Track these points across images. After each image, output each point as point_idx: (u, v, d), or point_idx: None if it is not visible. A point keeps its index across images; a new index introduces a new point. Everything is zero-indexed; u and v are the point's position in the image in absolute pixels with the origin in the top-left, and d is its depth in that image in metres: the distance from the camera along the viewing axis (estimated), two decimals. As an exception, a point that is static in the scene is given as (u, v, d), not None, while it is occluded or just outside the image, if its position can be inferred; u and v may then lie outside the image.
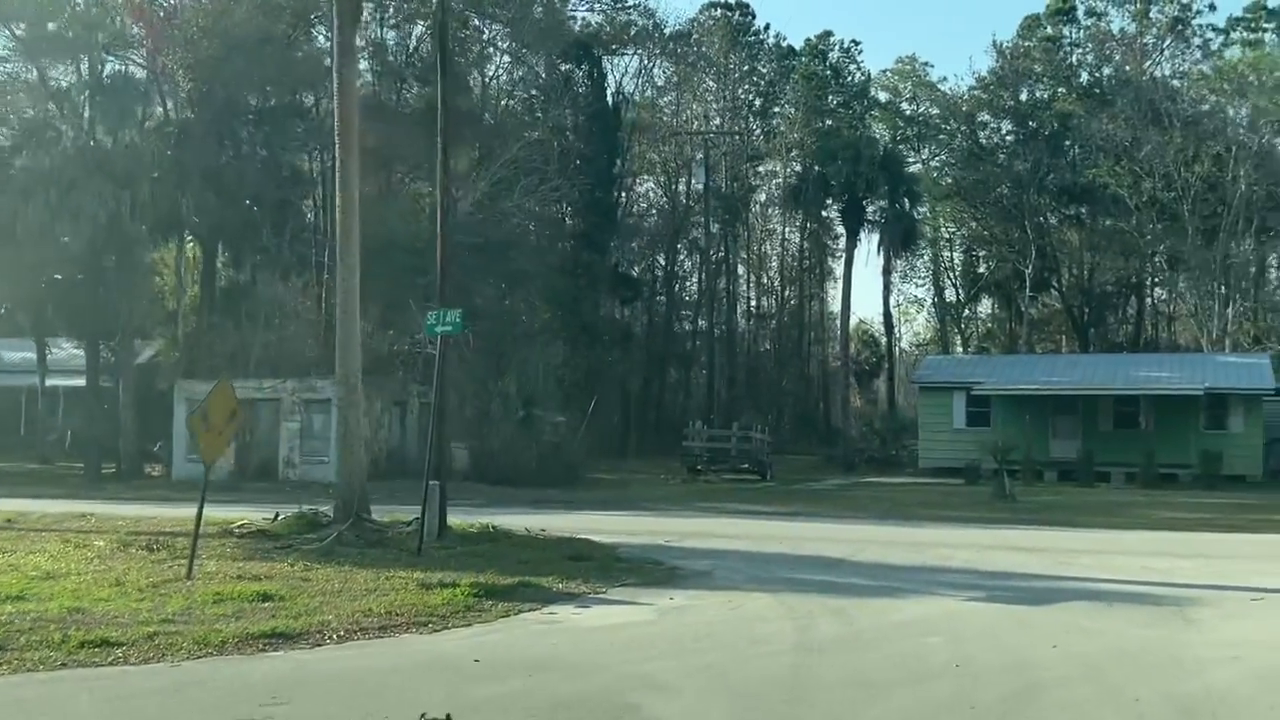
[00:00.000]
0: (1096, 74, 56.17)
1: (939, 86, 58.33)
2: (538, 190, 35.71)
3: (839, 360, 70.08)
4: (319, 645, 8.71)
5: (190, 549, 12.17)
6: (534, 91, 44.31)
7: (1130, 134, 46.27)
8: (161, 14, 34.89)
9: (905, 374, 59.61)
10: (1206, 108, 52.03)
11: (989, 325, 64.38)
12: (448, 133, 16.86)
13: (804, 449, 49.84)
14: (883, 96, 62.48)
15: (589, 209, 41.99)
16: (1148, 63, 55.99)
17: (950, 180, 56.52)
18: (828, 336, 71.84)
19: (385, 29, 40.76)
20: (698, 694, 7.33)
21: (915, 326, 66.20)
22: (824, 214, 47.17)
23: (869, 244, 42.59)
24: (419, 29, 40.90)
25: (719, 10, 59.57)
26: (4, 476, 28.10)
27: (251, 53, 33.07)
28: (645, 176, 59.07)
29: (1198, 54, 56.95)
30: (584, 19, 46.77)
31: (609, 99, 44.64)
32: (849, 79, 63.35)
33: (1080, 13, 57.30)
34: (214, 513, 14.71)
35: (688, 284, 65.27)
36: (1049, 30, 58.20)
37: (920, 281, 61.06)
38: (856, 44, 63.74)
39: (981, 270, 60.34)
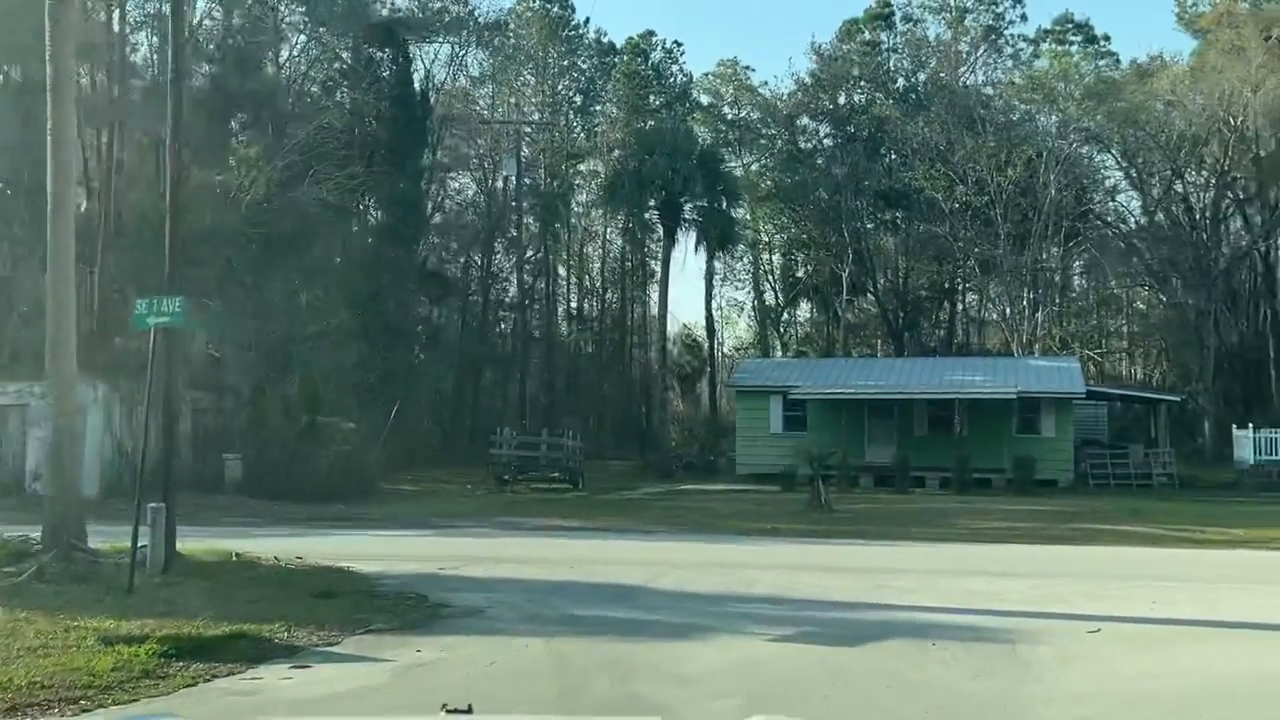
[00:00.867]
0: (913, 79, 56.56)
1: (760, 91, 57.97)
2: (333, 178, 33.04)
3: (661, 364, 69.43)
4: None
5: None
6: (334, 75, 41.47)
7: (945, 138, 46.41)
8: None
9: (727, 378, 58.95)
10: (1017, 117, 52.90)
11: (808, 329, 64.37)
12: (180, 96, 14.43)
13: (626, 455, 48.37)
14: (705, 99, 61.91)
15: (394, 201, 39.45)
16: (962, 69, 56.70)
17: (770, 183, 56.02)
18: (650, 340, 70.81)
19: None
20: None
21: (738, 330, 65.71)
22: (644, 214, 45.75)
23: (687, 244, 41.34)
24: (202, 2, 37.67)
25: (537, 1, 57.70)
26: None
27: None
28: (461, 172, 56.76)
29: (1009, 63, 58.05)
30: (390, 1, 44.23)
31: (416, 86, 42.12)
32: (671, 80, 62.42)
33: (898, 18, 57.67)
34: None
35: (507, 285, 63.21)
36: (867, 35, 58.40)
37: (740, 284, 60.47)
38: (679, 45, 62.75)
39: (800, 274, 60.16)
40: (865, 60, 56.28)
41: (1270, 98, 49.63)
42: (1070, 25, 60.90)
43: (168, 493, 13.02)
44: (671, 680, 7.90)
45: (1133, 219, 57.78)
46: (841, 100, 55.16)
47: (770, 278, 61.52)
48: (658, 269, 68.64)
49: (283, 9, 40.14)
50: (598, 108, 62.76)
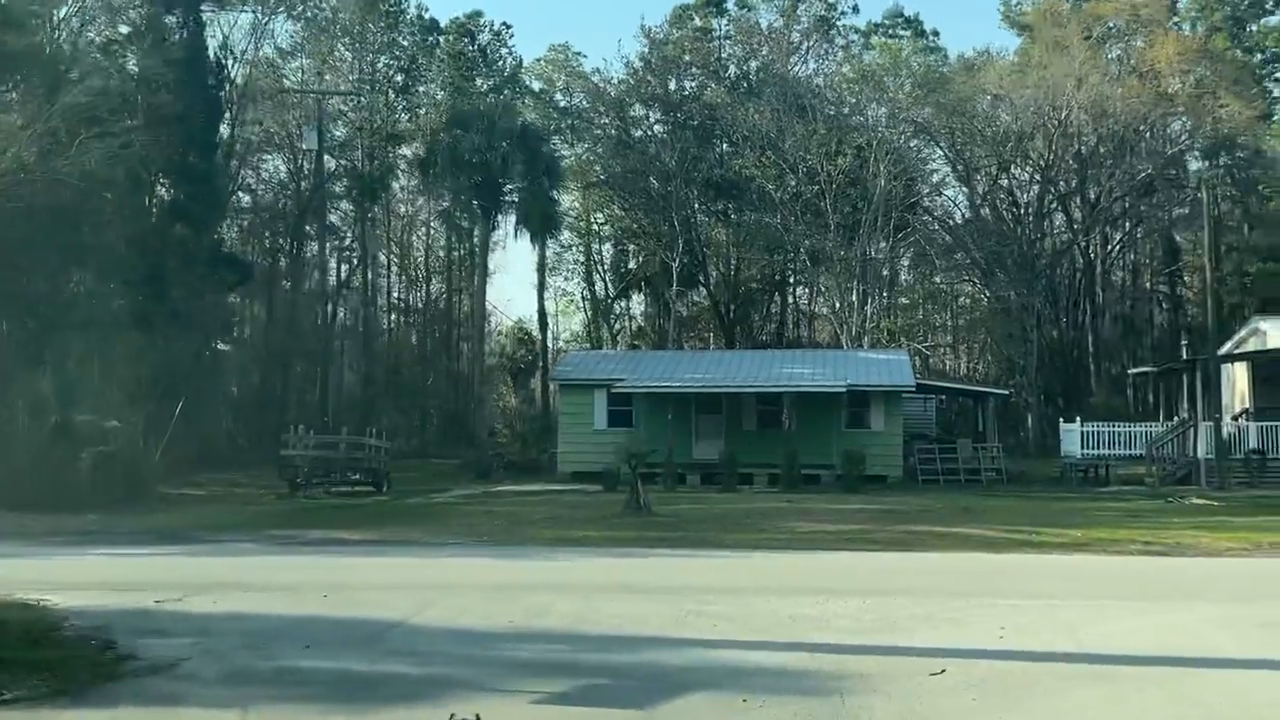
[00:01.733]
0: (744, 67, 55.48)
1: (591, 78, 56.10)
2: (107, 148, 29.50)
3: (494, 358, 66.78)
4: None
5: None
6: (118, 38, 37.64)
7: (776, 125, 45.29)
8: None
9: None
10: (847, 110, 52.34)
11: (641, 323, 62.81)
12: None
13: (453, 453, 45.80)
14: (536, 85, 59.75)
15: (183, 176, 35.94)
16: (794, 59, 55.87)
17: (600, 170, 54.17)
18: (478, 333, 68.25)
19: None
20: None
21: (573, 324, 63.61)
22: (460, 195, 43.17)
23: (508, 227, 38.99)
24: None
25: (352, -31, 54.39)
26: None
27: None
28: (272, 154, 53.09)
29: (840, 54, 57.53)
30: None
31: (212, 54, 38.58)
32: (500, 63, 60.05)
33: (730, 4, 56.52)
34: None
35: (323, 273, 59.62)
36: (698, 21, 57.12)
37: (569, 275, 58.54)
38: (508, 27, 60.24)
39: (631, 265, 58.54)
40: (697, 46, 54.92)
41: (1093, 94, 50.26)
42: (900, 19, 60.93)
43: None
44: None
45: (960, 213, 58.10)
46: (672, 86, 53.67)
47: (600, 268, 59.76)
48: (487, 259, 66.38)
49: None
50: (421, 89, 59.85)
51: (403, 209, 60.50)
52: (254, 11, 43.26)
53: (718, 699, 7.37)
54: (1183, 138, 57.41)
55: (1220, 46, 56.12)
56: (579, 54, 58.76)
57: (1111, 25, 57.51)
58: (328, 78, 54.18)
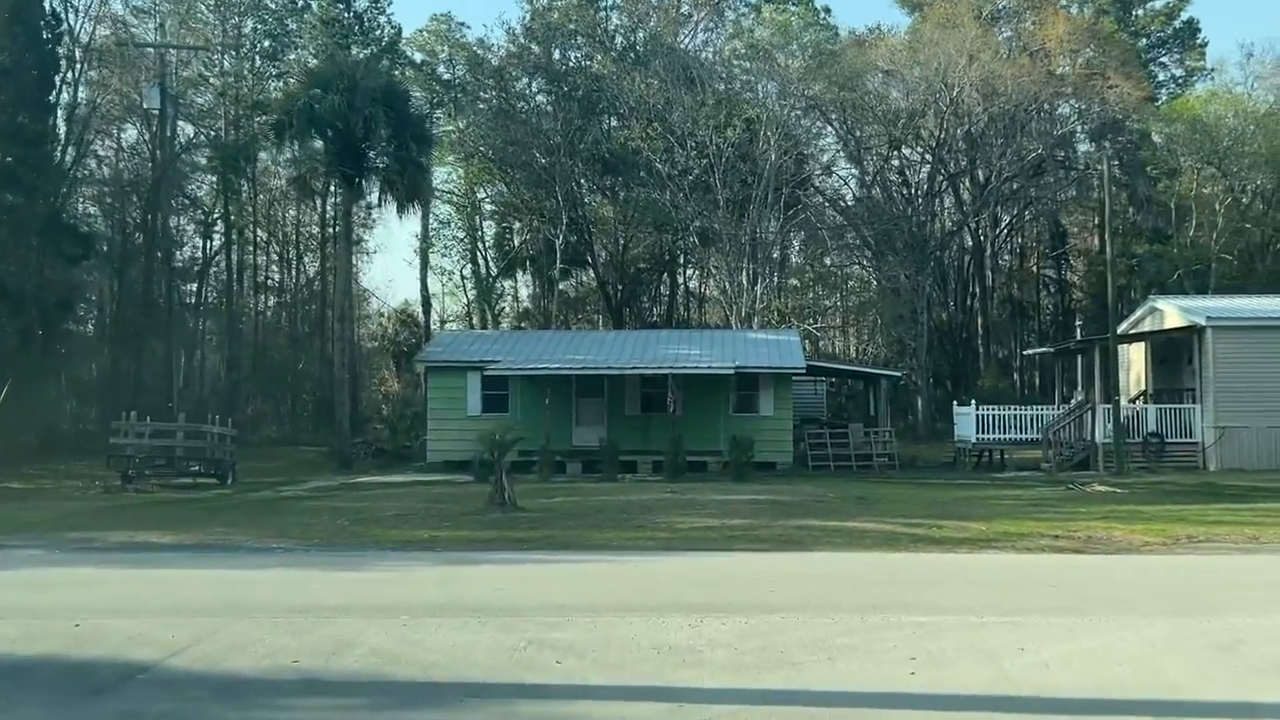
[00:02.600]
0: (631, 38, 53.40)
1: (474, 48, 53.53)
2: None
3: (376, 341, 63.71)
4: None
5: None
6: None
7: (663, 97, 43.33)
8: None
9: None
10: (738, 86, 50.66)
11: (528, 305, 60.48)
12: None
13: (326, 441, 42.95)
14: (418, 57, 56.93)
15: (10, 138, 32.54)
16: (683, 31, 53.98)
17: (481, 143, 51.62)
18: (358, 314, 65.11)
19: None
20: None
21: (460, 305, 60.87)
22: (326, 164, 40.19)
23: (376, 197, 36.17)
24: None
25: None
26: None
27: None
28: (127, 119, 49.35)
29: (730, 28, 55.86)
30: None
31: (47, 4, 35.14)
32: (377, 31, 57.05)
33: (621, -28, 54.36)
34: None
35: (170, 249, 55.94)
36: (585, -11, 54.81)
37: (446, 252, 55.94)
38: (386, -8, 57.08)
39: (516, 243, 56.20)
40: (583, 15, 52.65)
41: (984, 71, 49.35)
42: (793, -8, 59.39)
43: None
44: None
45: (850, 193, 56.95)
46: (557, 56, 51.38)
47: (482, 246, 57.28)
48: (365, 237, 63.21)
49: None
50: (292, 56, 56.53)
51: (275, 183, 57.14)
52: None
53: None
54: (1072, 119, 57.07)
55: (1108, 29, 55.82)
56: (462, 24, 56.19)
57: (1002, 5, 56.91)
58: (190, 41, 50.61)
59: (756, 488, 24.23)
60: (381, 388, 61.05)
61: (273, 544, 15.14)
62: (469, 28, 69.87)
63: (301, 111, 31.41)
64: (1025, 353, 38.57)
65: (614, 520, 17.83)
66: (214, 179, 54.01)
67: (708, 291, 58.19)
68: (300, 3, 56.02)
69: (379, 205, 35.55)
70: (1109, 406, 28.02)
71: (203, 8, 52.02)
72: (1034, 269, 64.65)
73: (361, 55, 53.79)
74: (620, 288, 55.06)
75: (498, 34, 58.54)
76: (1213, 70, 59.94)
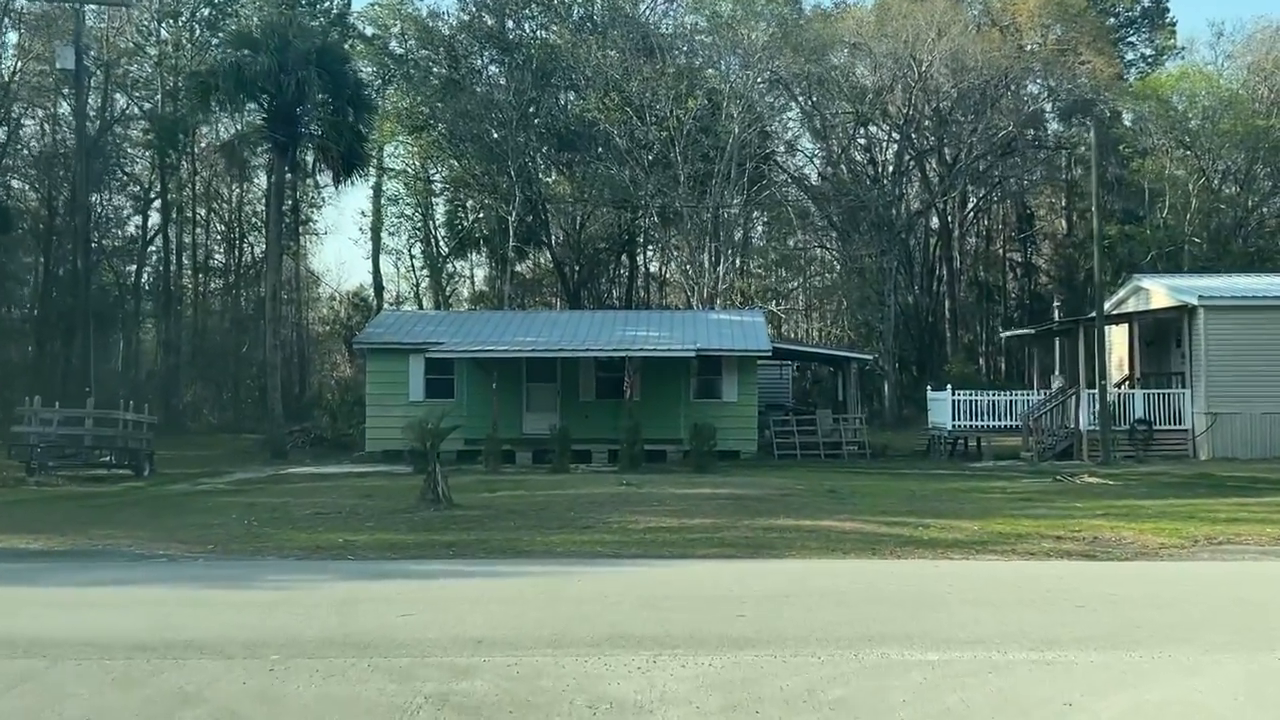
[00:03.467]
0: (589, 7, 51.17)
1: (426, 20, 51.19)
2: None
3: (327, 325, 61.20)
4: None
5: None
6: None
7: (622, 67, 41.21)
8: None
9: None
10: (699, 61, 48.66)
11: (484, 287, 58.23)
12: None
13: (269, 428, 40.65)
14: (369, 30, 54.48)
15: (-90, 101, 29.91)
16: (643, 4, 51.80)
17: (430, 115, 49.27)
18: (308, 297, 62.62)
19: None
20: None
21: (411, 287, 58.47)
22: (256, 130, 37.71)
23: (323, 168, 33.77)
24: None
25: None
26: None
27: None
28: (63, 92, 46.57)
29: (691, 1, 53.71)
30: None
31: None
32: (326, 3, 54.51)
33: (574, -62, 52.02)
34: None
35: (114, 227, 53.28)
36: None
37: (394, 231, 53.62)
38: (338, -39, 54.53)
39: (467, 222, 53.90)
40: (538, -18, 50.44)
41: (953, 45, 47.64)
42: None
43: None
44: None
45: (815, 172, 55.13)
46: (510, 24, 49.11)
47: (433, 224, 54.96)
48: (316, 216, 60.64)
49: None
50: (234, 26, 53.79)
51: (216, 158, 54.41)
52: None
53: None
54: (1042, 96, 55.54)
55: (1079, 5, 54.23)
56: (415, -5, 53.66)
57: (973, -23, 55.18)
58: (122, 12, 47.85)
59: (719, 480, 22.29)
60: (334, 374, 58.71)
61: (159, 550, 13.02)
62: (423, 1, 67.36)
63: (229, 73, 29.03)
64: (1004, 334, 36.87)
65: (560, 519, 15.82)
66: (150, 154, 51.34)
67: (669, 274, 56.25)
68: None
69: (313, 174, 33.21)
70: (1093, 392, 26.33)
71: (136, -31, 49.21)
72: (1000, 252, 63.24)
73: (311, 26, 51.36)
74: (578, 269, 53.00)
75: (449, 1, 56.49)
76: (1183, 49, 58.67)
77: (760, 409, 30.40)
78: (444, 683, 6.71)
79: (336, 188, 36.16)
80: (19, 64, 43.73)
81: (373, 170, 52.38)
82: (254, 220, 57.56)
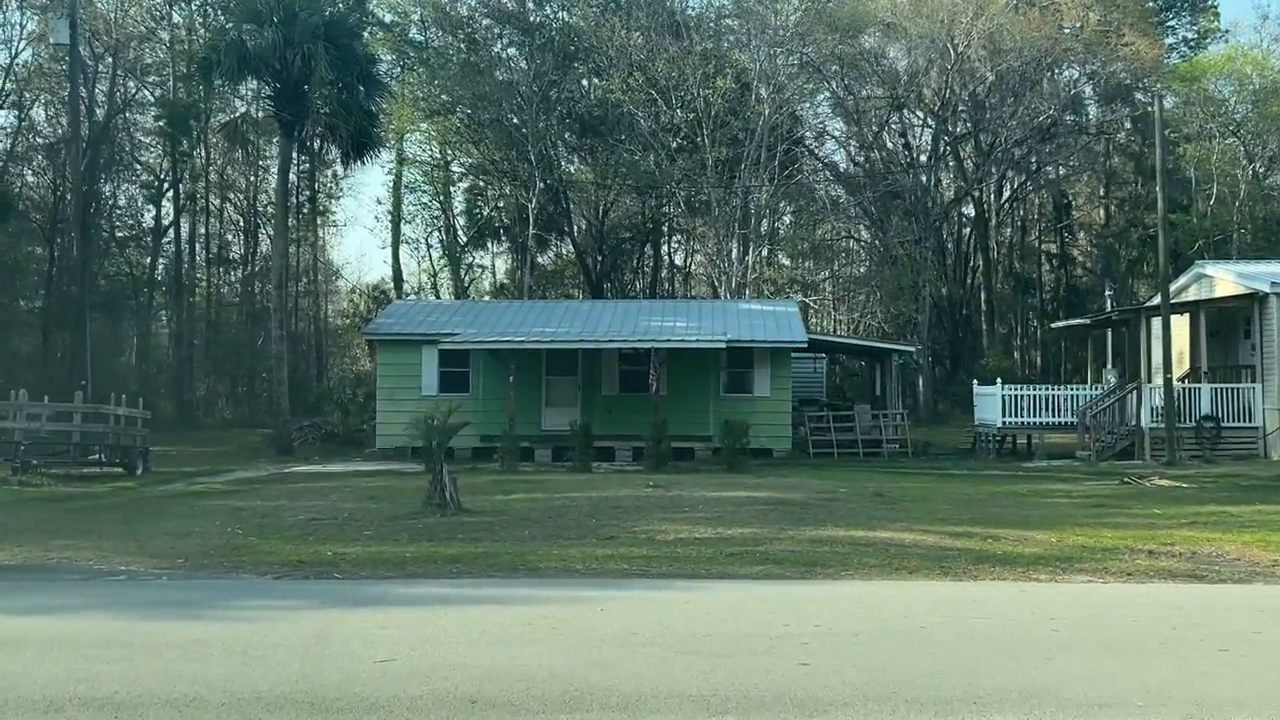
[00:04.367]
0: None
1: (446, 6, 49.50)
2: None
3: (347, 318, 59.68)
4: None
5: None
6: None
7: (646, 46, 39.41)
8: None
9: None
10: (725, 45, 46.79)
11: (503, 278, 56.61)
12: None
13: (291, 421, 39.06)
14: (388, 17, 52.84)
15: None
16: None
17: (447, 98, 47.56)
18: (327, 290, 61.18)
19: None
20: None
21: (429, 278, 56.87)
22: (261, 109, 36.21)
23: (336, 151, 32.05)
24: None
25: None
26: None
27: None
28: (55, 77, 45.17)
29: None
30: None
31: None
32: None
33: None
34: None
35: (132, 218, 51.89)
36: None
37: (410, 219, 52.04)
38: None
39: (489, 212, 52.23)
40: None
41: (990, 25, 45.65)
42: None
43: None
44: None
45: (848, 158, 53.26)
46: (531, 5, 47.40)
47: (450, 214, 53.29)
48: (335, 208, 59.17)
49: None
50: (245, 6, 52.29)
51: (242, 149, 52.82)
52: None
53: None
54: (1081, 80, 53.40)
55: (1122, -13, 52.04)
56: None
57: (1012, -44, 52.98)
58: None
59: (754, 481, 20.54)
60: (353, 368, 57.26)
61: (121, 566, 11.35)
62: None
63: (231, 48, 27.41)
64: (1054, 325, 34.84)
65: (579, 527, 14.09)
66: (163, 142, 49.89)
67: (694, 265, 54.50)
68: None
69: (321, 155, 31.61)
70: (1155, 386, 24.40)
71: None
72: (1036, 243, 61.15)
73: (329, 14, 49.81)
74: (600, 259, 51.27)
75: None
76: (1226, 32, 56.53)
77: (794, 404, 28.60)
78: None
79: (345, 169, 34.67)
80: (24, 47, 42.33)
81: (391, 158, 50.90)
82: (269, 211, 56.06)
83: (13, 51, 40.90)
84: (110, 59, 45.76)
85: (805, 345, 28.33)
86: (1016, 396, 26.61)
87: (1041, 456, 25.74)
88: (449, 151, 51.78)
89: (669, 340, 25.96)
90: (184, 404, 48.10)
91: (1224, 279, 26.74)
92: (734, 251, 41.47)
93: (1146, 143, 52.90)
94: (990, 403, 27.05)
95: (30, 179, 47.51)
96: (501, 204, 50.50)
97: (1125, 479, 20.38)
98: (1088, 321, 29.55)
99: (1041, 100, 48.96)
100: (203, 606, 9.06)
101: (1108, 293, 37.58)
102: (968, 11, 44.73)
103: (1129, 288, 53.22)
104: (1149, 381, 24.73)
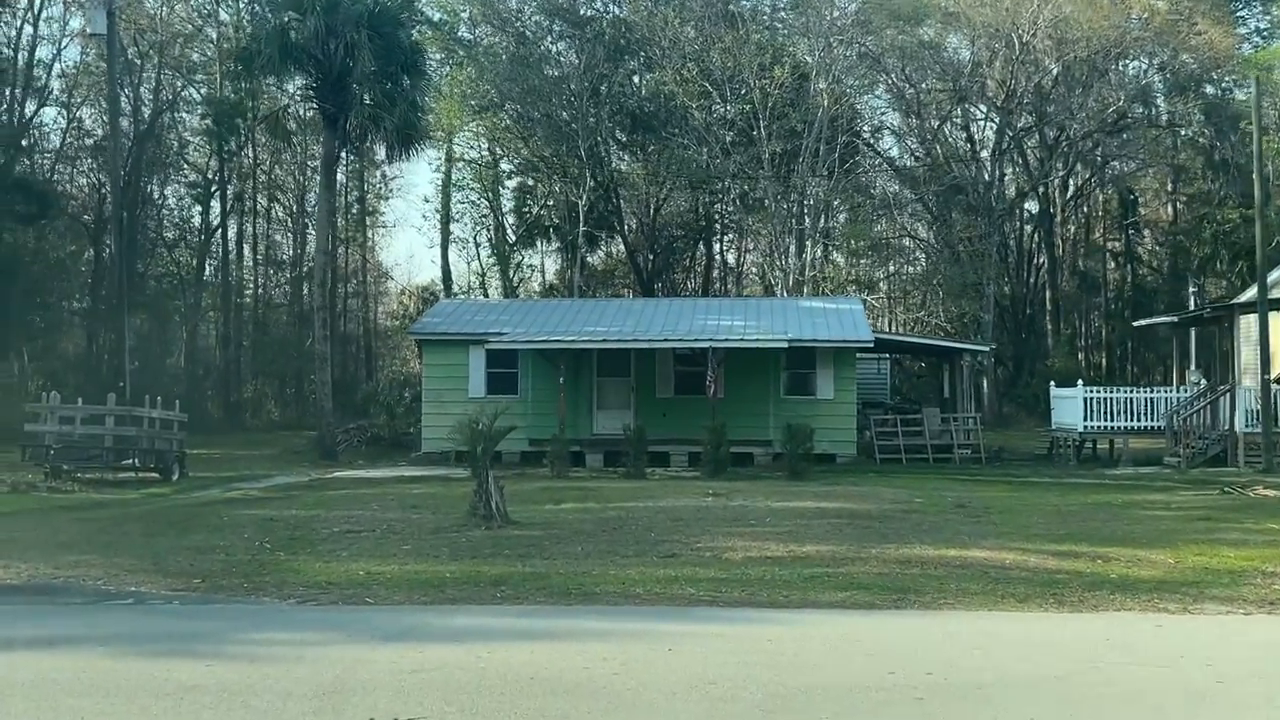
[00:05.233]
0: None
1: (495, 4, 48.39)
2: None
3: (396, 320, 58.94)
4: None
5: None
6: None
7: (700, 36, 38.09)
8: None
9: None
10: (780, 39, 45.34)
11: (552, 279, 55.49)
12: None
13: (337, 423, 38.19)
14: (436, 15, 51.88)
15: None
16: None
17: (497, 96, 46.46)
18: (375, 291, 60.50)
19: None
20: None
21: (484, 277, 55.87)
22: (303, 100, 35.25)
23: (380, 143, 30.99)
24: None
25: None
26: None
27: None
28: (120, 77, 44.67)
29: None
30: None
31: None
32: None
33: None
34: None
35: (177, 215, 51.35)
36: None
37: (458, 218, 51.07)
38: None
39: (538, 210, 51.10)
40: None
41: (1057, 13, 43.85)
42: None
43: None
44: None
45: (905, 153, 51.61)
46: (581, -1, 46.29)
47: (499, 211, 52.23)
48: (384, 208, 58.47)
49: None
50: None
51: (290, 153, 52.15)
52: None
53: None
54: (1150, 73, 51.34)
55: (1195, -28, 49.90)
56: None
57: (1079, -58, 51.00)
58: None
59: (820, 489, 19.16)
60: (402, 370, 56.48)
61: (131, 586, 10.25)
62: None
63: (272, 37, 26.47)
64: (1136, 324, 33.03)
65: (638, 542, 12.82)
66: (210, 142, 49.26)
67: (748, 263, 53.05)
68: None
69: (366, 142, 30.61)
70: (1248, 388, 22.72)
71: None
72: (1100, 240, 59.05)
73: (375, 7, 48.97)
74: (652, 258, 49.99)
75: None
76: (1301, 23, 54.13)
77: (858, 406, 27.16)
78: None
79: (390, 162, 33.58)
80: (67, 43, 41.83)
81: (439, 156, 50.00)
82: (317, 211, 55.30)
83: (58, 46, 40.40)
84: (156, 57, 45.16)
85: (871, 345, 26.86)
86: (1099, 399, 24.97)
87: (1127, 463, 24.10)
88: (498, 149, 50.79)
89: (728, 339, 24.60)
90: (231, 405, 47.47)
91: (1325, 273, 24.96)
92: (791, 248, 40.05)
93: (1218, 136, 50.84)
94: (1070, 406, 25.43)
95: (81, 181, 47.12)
96: (551, 202, 49.41)
97: (1225, 489, 18.77)
98: (1173, 319, 27.83)
99: (1110, 90, 47.07)
100: (210, 640, 7.88)
101: (1191, 290, 35.69)
102: (1033, 0, 42.99)
103: (1198, 286, 51.10)
104: (1243, 382, 23.02)
